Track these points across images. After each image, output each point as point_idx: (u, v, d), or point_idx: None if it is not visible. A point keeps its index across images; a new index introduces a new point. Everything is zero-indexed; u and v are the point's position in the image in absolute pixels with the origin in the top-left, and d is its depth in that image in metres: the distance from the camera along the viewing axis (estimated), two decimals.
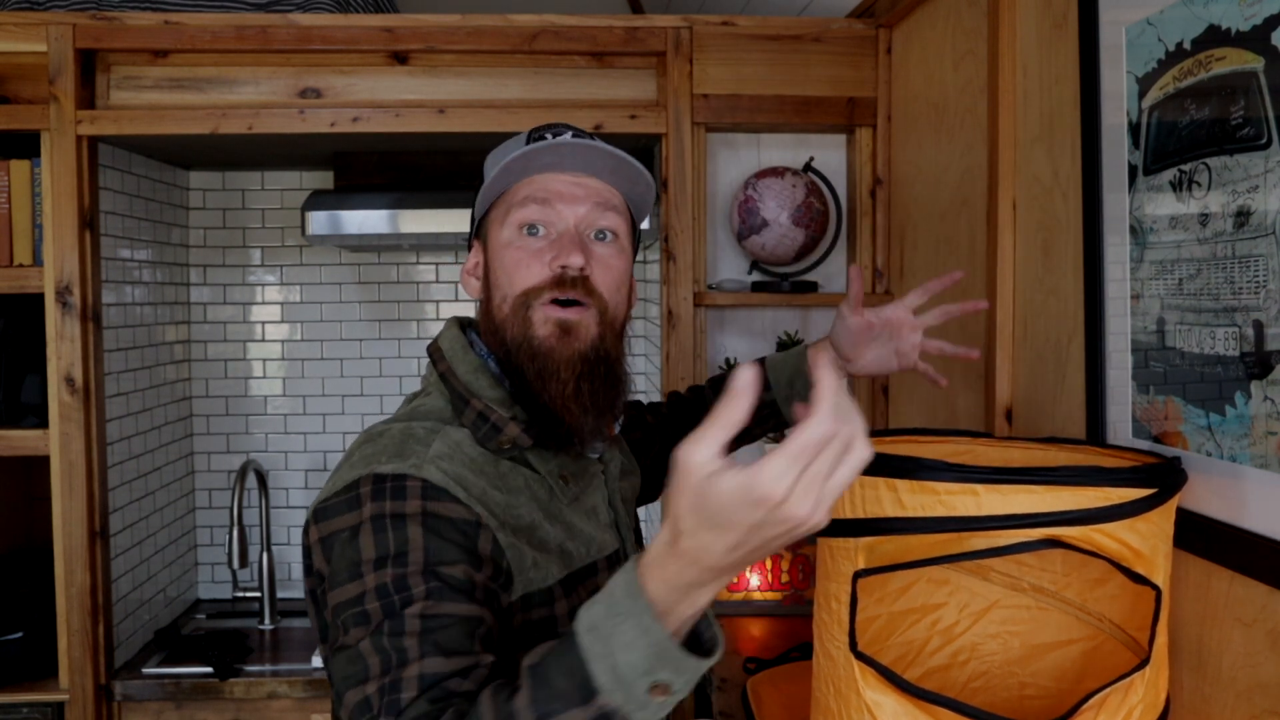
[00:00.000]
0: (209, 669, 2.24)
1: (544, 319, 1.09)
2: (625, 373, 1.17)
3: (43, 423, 2.13)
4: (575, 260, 1.08)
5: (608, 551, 1.16)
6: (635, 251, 1.23)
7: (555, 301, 1.09)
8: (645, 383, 2.69)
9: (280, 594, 2.72)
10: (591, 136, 1.17)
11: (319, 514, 1.03)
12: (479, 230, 1.20)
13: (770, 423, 1.52)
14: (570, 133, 1.16)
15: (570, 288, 1.08)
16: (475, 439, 1.09)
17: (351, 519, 1.00)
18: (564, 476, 1.14)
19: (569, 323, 1.09)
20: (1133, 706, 1.05)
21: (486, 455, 1.08)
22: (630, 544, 1.24)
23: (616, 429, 1.21)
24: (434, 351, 1.18)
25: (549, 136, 1.13)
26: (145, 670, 2.24)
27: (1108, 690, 1.04)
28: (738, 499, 0.69)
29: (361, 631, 0.93)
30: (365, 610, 0.94)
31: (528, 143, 1.13)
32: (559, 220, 1.11)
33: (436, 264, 2.83)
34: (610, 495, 1.21)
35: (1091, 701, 1.04)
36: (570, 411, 1.09)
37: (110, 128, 2.09)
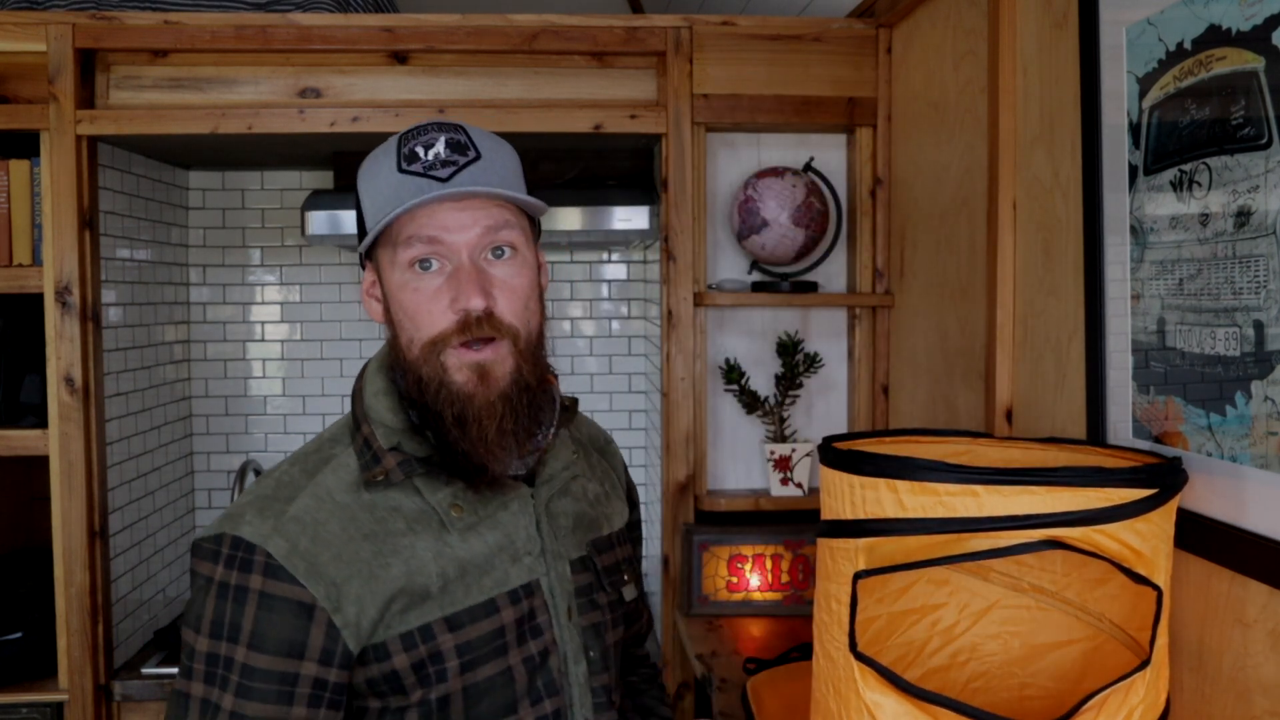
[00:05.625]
0: None
1: (459, 364, 1.08)
2: (549, 388, 1.18)
3: (42, 423, 2.13)
4: (476, 304, 1.07)
5: (514, 584, 1.12)
6: (538, 238, 1.21)
7: (465, 344, 1.08)
8: (645, 383, 2.69)
9: None
10: (462, 131, 1.11)
11: (194, 548, 1.09)
12: (369, 251, 1.15)
13: None
14: (442, 139, 1.10)
15: (477, 329, 1.07)
16: (360, 466, 1.11)
17: (207, 570, 1.06)
18: (456, 506, 1.12)
19: (484, 365, 1.08)
20: (1133, 707, 1.05)
21: (364, 496, 1.10)
22: (559, 573, 1.17)
23: (550, 436, 1.19)
24: (363, 368, 1.20)
25: (422, 152, 1.09)
26: (145, 670, 2.24)
27: (1108, 691, 1.04)
28: None
29: (185, 684, 1.05)
30: (192, 667, 1.05)
31: (399, 160, 1.09)
32: (451, 253, 1.09)
33: None
34: (538, 519, 1.16)
35: (1092, 702, 1.04)
36: (493, 455, 1.09)
37: (110, 128, 2.09)
